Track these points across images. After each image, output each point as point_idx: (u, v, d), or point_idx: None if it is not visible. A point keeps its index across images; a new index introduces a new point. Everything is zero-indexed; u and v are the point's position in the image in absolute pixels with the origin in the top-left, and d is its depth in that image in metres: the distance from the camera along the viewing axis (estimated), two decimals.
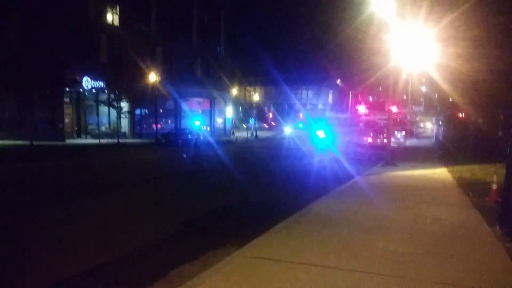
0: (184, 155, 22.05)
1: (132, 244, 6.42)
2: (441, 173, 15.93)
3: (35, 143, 24.67)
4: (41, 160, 18.60)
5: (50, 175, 14.29)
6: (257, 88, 73.18)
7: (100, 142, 28.48)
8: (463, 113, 32.52)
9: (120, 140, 32.11)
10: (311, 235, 6.33)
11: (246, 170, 17.36)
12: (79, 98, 33.02)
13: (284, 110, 74.74)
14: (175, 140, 31.87)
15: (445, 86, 22.20)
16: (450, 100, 31.46)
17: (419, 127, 68.49)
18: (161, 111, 42.51)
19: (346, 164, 20.32)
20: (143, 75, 35.02)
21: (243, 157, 23.68)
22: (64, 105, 31.85)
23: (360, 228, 6.81)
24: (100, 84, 31.65)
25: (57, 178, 13.80)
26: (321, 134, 40.47)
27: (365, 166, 18.99)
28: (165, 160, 21.58)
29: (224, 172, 16.40)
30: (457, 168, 16.33)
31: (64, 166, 17.27)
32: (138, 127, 38.06)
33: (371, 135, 50.77)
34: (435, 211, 8.30)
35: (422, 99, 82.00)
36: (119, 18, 34.59)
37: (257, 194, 11.16)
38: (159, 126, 40.34)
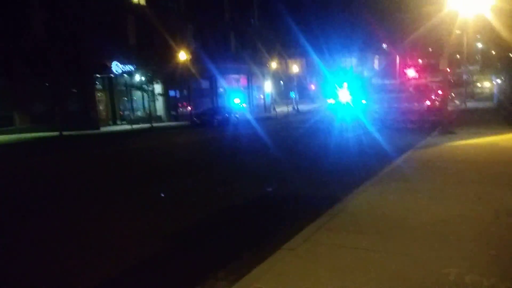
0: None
1: None
2: (511, 139, 13.22)
3: (65, 133, 24.04)
4: (61, 151, 17.77)
5: (59, 169, 13.14)
6: (297, 60, 70.13)
7: (132, 128, 27.53)
8: None
9: (155, 124, 31.10)
10: (339, 256, 4.37)
11: (279, 150, 15.44)
12: (111, 84, 32.21)
13: (327, 80, 71.38)
14: (210, 120, 30.37)
15: (506, 34, 18.95)
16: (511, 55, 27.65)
17: (477, 87, 62.79)
18: (197, 91, 41.14)
19: (395, 136, 17.92)
20: (174, 55, 33.60)
21: (279, 134, 21.74)
22: (97, 92, 31.20)
23: (416, 237, 4.75)
24: (130, 67, 30.55)
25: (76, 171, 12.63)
26: (363, 102, 37.40)
27: (418, 136, 16.51)
28: (193, 143, 20.12)
29: (252, 155, 14.59)
30: None
31: (90, 155, 16.23)
32: (174, 109, 36.93)
33: (423, 99, 46.83)
34: None
35: (478, 57, 75.29)
36: None
37: (286, 181, 9.27)
38: (194, 106, 39.04)
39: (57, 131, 24.73)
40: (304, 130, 23.93)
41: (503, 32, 18.59)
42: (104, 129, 29.30)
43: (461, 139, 13.98)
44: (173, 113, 36.42)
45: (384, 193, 6.83)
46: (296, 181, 9.29)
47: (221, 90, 42.80)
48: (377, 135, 18.83)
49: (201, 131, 26.36)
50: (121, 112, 33.35)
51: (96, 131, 27.27)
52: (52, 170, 13.04)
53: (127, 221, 6.81)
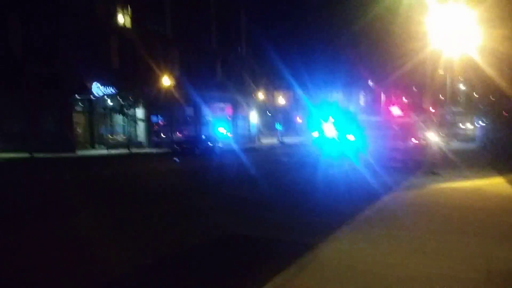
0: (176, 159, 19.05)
1: None
2: (497, 184, 12.74)
3: (37, 155, 22.94)
4: (25, 175, 16.69)
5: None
6: (284, 92, 70.43)
7: (109, 153, 26.54)
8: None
9: (135, 150, 30.17)
10: None
11: (257, 185, 14.71)
12: (91, 106, 31.33)
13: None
14: (192, 148, 29.51)
15: (491, 73, 18.99)
16: (493, 98, 27.89)
17: (460, 128, 63.52)
18: (180, 118, 40.48)
19: (379, 174, 17.39)
20: (158, 80, 33.10)
21: (262, 167, 21.01)
22: (76, 114, 30.26)
23: None
24: (112, 90, 29.81)
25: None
26: (350, 137, 37.23)
27: (402, 176, 15.99)
28: (168, 172, 19.24)
29: (227, 189, 13.79)
30: None
31: (51, 180, 15.21)
32: (155, 136, 36.07)
33: (407, 138, 46.87)
34: None
35: (460, 98, 76.80)
36: (131, 19, 32.74)
37: (257, 221, 8.49)
38: (179, 134, 38.29)
39: (30, 152, 23.66)
40: (286, 164, 23.33)
41: (488, 72, 18.55)
42: (81, 152, 28.20)
43: (445, 181, 13.48)
44: (155, 139, 35.54)
45: (360, 242, 6.11)
46: (268, 221, 8.51)
47: (205, 118, 42.20)
48: (360, 172, 18.34)
49: (181, 160, 25.50)
50: (103, 135, 32.39)
51: (71, 155, 26.18)
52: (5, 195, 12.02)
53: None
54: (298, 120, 69.10)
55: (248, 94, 48.27)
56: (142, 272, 5.52)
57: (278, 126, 50.10)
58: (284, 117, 63.23)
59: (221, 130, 39.35)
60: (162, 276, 5.38)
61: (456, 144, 38.31)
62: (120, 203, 10.71)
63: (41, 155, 23.49)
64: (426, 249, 5.70)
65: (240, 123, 48.04)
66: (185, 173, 18.93)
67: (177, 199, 11.23)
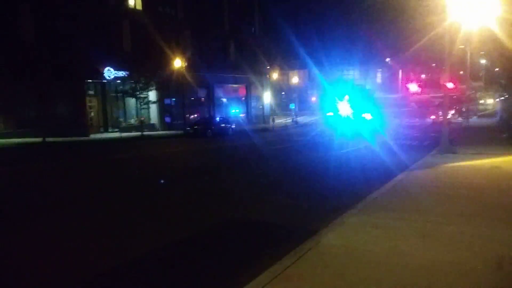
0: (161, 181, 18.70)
1: None
2: None
3: (50, 139, 23.08)
4: (31, 160, 16.71)
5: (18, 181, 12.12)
6: (299, 72, 69.52)
7: (121, 136, 26.56)
8: None
9: (147, 133, 30.18)
10: None
11: (266, 166, 14.46)
12: (104, 90, 31.34)
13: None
14: (204, 130, 29.34)
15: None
16: None
17: (480, 104, 61.92)
18: (193, 100, 40.26)
19: (394, 152, 16.96)
20: (170, 62, 32.80)
21: (272, 148, 20.73)
22: (89, 98, 30.33)
23: None
24: (124, 73, 29.68)
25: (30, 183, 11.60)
26: (367, 116, 36.58)
27: (417, 154, 15.60)
28: (177, 154, 19.10)
29: (234, 170, 13.57)
30: None
31: (59, 165, 15.22)
32: (169, 118, 35.98)
33: (425, 115, 45.82)
34: None
35: (481, 74, 74.43)
36: (142, 2, 32.33)
37: (258, 204, 8.24)
38: (193, 116, 38.12)
39: (44, 137, 23.82)
40: (298, 144, 22.97)
41: (508, 45, 17.66)
42: (94, 136, 28.38)
43: (462, 159, 12.97)
44: (168, 121, 35.49)
45: (367, 226, 5.80)
46: (272, 204, 8.27)
47: (218, 99, 41.91)
48: (374, 151, 17.91)
49: (192, 142, 25.40)
50: (117, 119, 32.48)
51: (84, 138, 26.32)
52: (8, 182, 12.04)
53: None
54: (313, 99, 68.28)
55: (262, 74, 47.65)
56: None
57: (292, 106, 49.48)
58: (298, 96, 62.60)
59: (234, 111, 39.10)
60: (151, 267, 5.20)
61: (475, 120, 37.22)
62: (122, 187, 10.58)
63: (53, 139, 23.59)
64: (435, 235, 5.36)
65: (253, 103, 47.59)
66: (194, 155, 18.76)
67: (179, 182, 11.06)
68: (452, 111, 37.69)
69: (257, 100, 48.15)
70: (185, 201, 8.74)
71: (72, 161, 16.62)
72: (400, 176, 10.09)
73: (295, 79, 59.47)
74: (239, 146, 22.69)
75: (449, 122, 19.19)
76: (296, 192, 9.47)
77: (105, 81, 29.80)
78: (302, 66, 68.47)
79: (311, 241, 5.23)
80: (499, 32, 17.68)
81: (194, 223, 6.94)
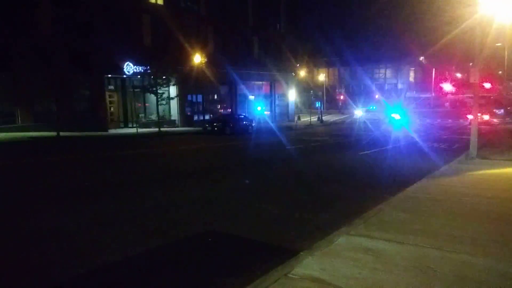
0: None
1: None
2: None
3: (66, 134, 22.87)
4: (34, 155, 16.33)
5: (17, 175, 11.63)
6: (326, 69, 67.89)
7: (138, 132, 26.15)
8: None
9: (166, 129, 29.75)
10: None
11: (276, 168, 13.50)
12: (124, 85, 31.10)
13: (359, 92, 68.68)
14: (223, 127, 28.59)
15: None
16: None
17: None
18: (216, 96, 39.66)
19: (418, 156, 15.74)
20: (191, 58, 32.22)
21: (289, 148, 19.73)
22: (109, 93, 30.13)
23: None
24: (143, 69, 29.28)
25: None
26: (397, 116, 35.39)
27: (445, 157, 14.37)
28: (188, 152, 18.38)
29: (235, 173, 12.65)
30: None
31: (54, 161, 14.75)
32: (190, 114, 35.47)
33: (458, 116, 43.67)
34: None
35: None
36: None
37: (240, 216, 7.31)
38: (214, 112, 37.51)
39: (63, 130, 23.72)
40: (319, 144, 21.81)
41: None
42: (113, 131, 28.15)
43: (491, 166, 11.61)
44: (188, 118, 34.98)
45: (356, 251, 4.76)
46: (257, 216, 7.30)
47: (242, 96, 41.13)
48: (398, 154, 16.72)
49: (209, 139, 24.68)
50: (138, 114, 32.26)
51: (101, 133, 26.08)
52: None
53: None
54: (341, 98, 66.58)
55: (288, 72, 46.53)
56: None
57: (318, 104, 48.14)
58: (326, 95, 61.09)
59: (258, 108, 38.24)
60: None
61: None
62: (110, 185, 9.87)
63: (68, 134, 23.40)
64: (441, 268, 4.27)
65: (278, 101, 46.57)
66: (202, 154, 17.97)
67: (171, 184, 10.25)
68: (488, 113, 35.55)
69: (282, 97, 47.08)
70: (151, 207, 7.88)
71: (68, 156, 16.06)
72: (416, 185, 8.93)
73: (322, 77, 57.81)
74: (254, 145, 21.82)
75: (482, 124, 17.76)
76: (294, 200, 8.50)
77: (124, 76, 29.51)
78: (329, 64, 66.80)
79: (281, 269, 4.27)
80: None
81: (157, 238, 6.08)
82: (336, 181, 10.78)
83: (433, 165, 12.42)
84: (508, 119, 36.34)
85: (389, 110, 39.50)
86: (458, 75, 70.91)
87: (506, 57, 30.71)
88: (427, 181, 9.39)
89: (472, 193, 7.99)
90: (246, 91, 40.65)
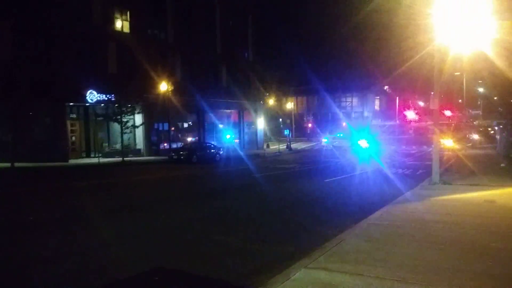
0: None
1: None
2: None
3: (20, 165, 21.76)
4: None
5: None
6: (295, 98, 68.82)
7: (99, 162, 25.23)
8: None
9: (129, 158, 28.88)
10: None
11: (235, 195, 13.09)
12: (87, 114, 30.24)
13: (326, 120, 69.77)
14: (189, 155, 28.01)
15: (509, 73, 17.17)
16: None
17: (478, 132, 60.99)
18: (183, 124, 39.17)
19: (382, 182, 15.76)
20: (158, 86, 31.83)
21: (254, 176, 19.38)
22: (71, 121, 29.16)
23: None
24: (108, 97, 28.52)
25: None
26: (363, 143, 35.85)
27: (407, 184, 14.37)
28: (145, 182, 17.74)
29: (190, 202, 12.15)
30: None
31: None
32: (154, 143, 34.65)
33: (421, 143, 44.81)
34: None
35: (479, 102, 73.75)
36: (130, 24, 31.57)
37: (201, 246, 6.86)
38: (179, 141, 36.90)
39: (20, 161, 22.58)
40: (285, 172, 21.57)
41: (506, 71, 16.63)
42: (74, 161, 27.07)
43: (454, 191, 11.65)
44: (154, 147, 34.19)
45: (313, 287, 4.41)
46: (213, 249, 6.87)
47: (210, 124, 40.79)
48: (361, 180, 16.71)
49: (174, 168, 24.04)
50: (101, 144, 31.27)
51: (61, 164, 24.99)
52: None
53: None
54: (309, 125, 67.39)
55: (256, 100, 46.72)
56: None
57: (287, 132, 48.36)
58: (295, 122, 61.67)
59: (227, 136, 37.96)
60: None
61: (473, 150, 35.93)
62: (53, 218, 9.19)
63: (25, 164, 22.28)
64: None
65: (247, 129, 46.48)
66: (162, 183, 17.37)
67: (120, 216, 9.66)
68: (449, 140, 36.63)
69: (251, 125, 47.07)
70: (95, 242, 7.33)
71: (16, 189, 15.09)
72: (379, 212, 8.75)
73: (290, 106, 58.45)
74: (220, 173, 21.41)
75: (445, 151, 18.10)
76: (255, 230, 8.11)
77: (87, 104, 28.69)
78: (297, 92, 67.80)
79: None
80: (494, 58, 16.71)
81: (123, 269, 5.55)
82: (301, 209, 10.50)
83: (397, 191, 12.38)
84: (469, 145, 37.54)
85: (354, 137, 39.77)
86: (421, 103, 73.45)
87: (464, 87, 32.01)
88: (391, 208, 9.24)
89: (434, 219, 7.86)
90: (214, 119, 40.37)
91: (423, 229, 7.07)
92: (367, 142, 35.69)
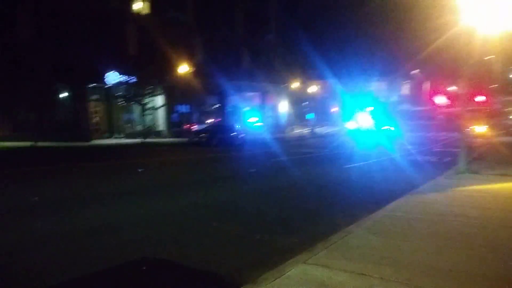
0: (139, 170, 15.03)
1: None
2: None
3: (43, 144, 22.02)
4: None
5: None
6: (317, 81, 67.37)
7: (120, 143, 25.33)
8: None
9: (151, 140, 28.91)
10: None
11: (250, 182, 12.66)
12: (109, 95, 30.36)
13: (351, 104, 68.20)
14: (209, 138, 27.74)
15: None
16: None
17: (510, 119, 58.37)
18: (205, 107, 38.97)
19: (406, 169, 15.02)
20: (179, 68, 31.58)
21: (272, 160, 18.89)
22: (94, 103, 29.41)
23: None
24: (128, 78, 28.52)
25: None
26: (388, 128, 34.66)
27: (432, 172, 13.53)
28: (160, 164, 17.51)
29: (195, 189, 11.76)
30: None
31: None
32: (177, 125, 34.61)
33: (452, 129, 43.08)
34: None
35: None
36: (150, 6, 31.26)
37: (201, 235, 6.47)
38: (201, 123, 36.72)
39: (42, 141, 22.87)
40: (306, 157, 20.93)
41: None
42: (96, 142, 27.31)
43: (480, 182, 10.82)
44: (176, 128, 34.15)
45: (309, 284, 3.93)
46: (212, 238, 6.47)
47: (232, 107, 40.42)
48: (382, 168, 15.94)
49: (192, 150, 23.85)
50: (123, 124, 31.47)
51: (82, 144, 25.22)
52: None
53: None
54: (333, 110, 66.03)
55: (279, 83, 45.94)
56: None
57: (310, 116, 47.46)
58: (319, 106, 60.55)
59: (250, 119, 37.53)
60: None
61: (507, 137, 34.17)
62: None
63: (47, 144, 22.54)
64: None
65: (270, 112, 45.90)
66: (181, 166, 17.10)
67: (119, 201, 9.38)
68: (481, 126, 34.97)
69: (274, 109, 46.44)
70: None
71: (31, 168, 15.10)
72: (395, 202, 8.11)
73: (314, 89, 57.21)
74: (238, 157, 21.02)
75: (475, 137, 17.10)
76: (261, 218, 7.66)
77: (110, 86, 28.75)
78: (321, 75, 66.23)
79: None
80: None
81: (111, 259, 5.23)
82: (316, 196, 9.98)
83: (419, 180, 11.63)
84: (503, 131, 35.77)
85: (379, 122, 38.13)
86: (452, 88, 70.65)
87: (496, 71, 30.29)
88: (409, 198, 8.58)
89: (456, 212, 7.18)
90: (236, 102, 39.98)
91: (440, 223, 6.44)
92: (393, 128, 34.55)
